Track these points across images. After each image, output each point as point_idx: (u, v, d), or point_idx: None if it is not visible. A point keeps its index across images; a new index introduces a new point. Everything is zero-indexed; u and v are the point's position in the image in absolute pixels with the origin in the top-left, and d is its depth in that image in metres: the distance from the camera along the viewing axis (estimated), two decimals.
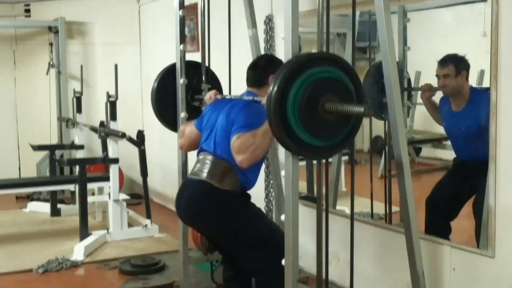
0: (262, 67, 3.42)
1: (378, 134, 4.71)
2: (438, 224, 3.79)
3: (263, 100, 3.06)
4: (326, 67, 2.49)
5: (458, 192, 3.76)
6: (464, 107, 3.69)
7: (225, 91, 4.10)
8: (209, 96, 3.62)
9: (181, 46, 3.90)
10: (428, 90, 3.94)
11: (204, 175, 3.26)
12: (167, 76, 4.03)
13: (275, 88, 2.41)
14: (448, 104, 3.80)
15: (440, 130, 4.14)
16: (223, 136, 3.25)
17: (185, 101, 3.92)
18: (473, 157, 3.32)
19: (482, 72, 3.68)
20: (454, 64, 3.65)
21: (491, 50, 3.04)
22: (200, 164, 3.35)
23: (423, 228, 3.69)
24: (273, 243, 3.13)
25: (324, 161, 2.99)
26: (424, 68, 4.34)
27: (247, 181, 3.31)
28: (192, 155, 3.59)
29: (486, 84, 3.55)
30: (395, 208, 4.12)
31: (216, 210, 3.25)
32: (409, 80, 4.28)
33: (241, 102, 3.32)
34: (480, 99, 3.46)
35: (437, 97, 3.99)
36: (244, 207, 3.29)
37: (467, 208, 3.72)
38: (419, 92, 4.47)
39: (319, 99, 2.44)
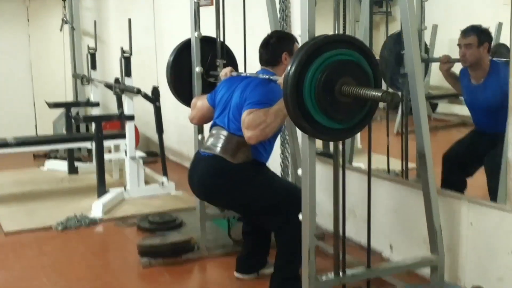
0: (274, 45, 3.39)
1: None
2: (454, 179, 3.78)
3: (279, 79, 3.06)
4: (343, 50, 2.47)
5: (476, 147, 3.73)
6: (483, 81, 3.66)
7: (240, 50, 4.06)
8: (224, 72, 3.62)
9: None
10: (447, 61, 3.89)
11: (218, 149, 3.29)
12: (182, 52, 4.02)
13: (292, 71, 2.41)
14: (468, 77, 3.76)
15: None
16: (237, 113, 3.26)
17: (200, 55, 3.91)
18: (493, 129, 3.29)
19: (500, 25, 3.62)
20: (477, 35, 3.60)
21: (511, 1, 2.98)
22: (213, 139, 3.36)
23: (439, 183, 3.67)
24: (289, 201, 3.15)
25: None
26: (441, 21, 4.27)
27: (260, 156, 3.33)
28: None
29: (503, 37, 3.50)
30: (411, 165, 4.11)
31: (229, 185, 3.29)
32: (425, 45, 4.22)
33: (257, 79, 3.31)
34: (500, 72, 3.42)
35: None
36: (255, 177, 3.30)
37: None
38: (436, 46, 4.41)
39: (336, 82, 2.43)
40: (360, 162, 4.34)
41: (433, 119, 4.63)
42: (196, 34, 3.89)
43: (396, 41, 4.05)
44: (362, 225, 3.90)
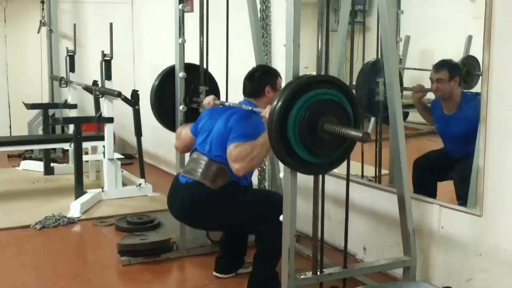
0: (258, 79, 3.54)
1: None
2: (425, 184, 3.91)
3: (262, 112, 3.21)
4: (326, 90, 2.62)
5: (448, 156, 3.89)
6: (455, 111, 3.80)
7: (223, 51, 4.16)
8: (207, 101, 3.77)
9: (180, 6, 3.97)
10: (420, 90, 4.05)
11: (198, 174, 3.40)
12: (166, 78, 4.13)
13: (277, 108, 2.54)
14: (440, 107, 3.91)
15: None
16: (220, 142, 3.38)
17: (183, 63, 4.00)
18: (465, 156, 3.44)
19: (469, 38, 3.78)
20: (448, 69, 3.75)
21: (485, 14, 3.08)
22: (193, 163, 3.48)
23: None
24: (269, 210, 3.25)
25: None
26: (413, 33, 4.42)
27: (239, 182, 3.44)
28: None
29: (473, 50, 3.66)
30: (383, 171, 4.24)
31: (209, 211, 3.40)
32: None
33: (240, 111, 3.45)
34: (471, 103, 3.58)
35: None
36: (234, 199, 3.41)
37: None
38: (408, 57, 4.56)
39: (318, 119, 2.58)
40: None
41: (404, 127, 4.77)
42: (180, 40, 4.00)
43: (371, 69, 4.21)
44: (336, 227, 4.04)
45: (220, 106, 3.71)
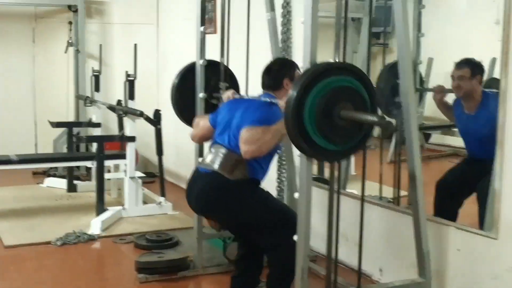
0: (276, 71, 3.54)
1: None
2: (446, 208, 3.89)
3: (281, 102, 3.21)
4: (343, 77, 2.64)
5: (469, 175, 3.86)
6: (476, 111, 3.79)
7: (242, 76, 4.21)
8: (227, 95, 3.78)
9: (202, 28, 4.02)
10: (440, 91, 4.03)
11: (216, 166, 3.38)
12: (186, 75, 4.17)
13: (294, 94, 2.56)
14: (461, 107, 3.89)
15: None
16: (237, 132, 3.36)
17: (204, 81, 4.05)
18: (486, 155, 3.42)
19: (493, 60, 3.76)
20: (470, 67, 3.74)
21: (502, 38, 3.11)
22: (212, 156, 3.46)
23: (431, 211, 3.80)
24: (284, 222, 3.27)
25: None
26: (436, 55, 4.43)
27: (256, 174, 3.43)
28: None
29: (497, 72, 3.65)
30: (403, 193, 4.23)
31: (225, 201, 3.38)
32: (421, 77, 4.37)
33: (259, 102, 3.46)
34: (492, 102, 3.53)
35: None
36: (251, 196, 3.40)
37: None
38: (431, 78, 4.57)
39: (335, 106, 2.59)
40: (353, 189, 4.47)
41: (426, 149, 4.76)
42: (201, 61, 4.04)
43: (391, 71, 4.20)
44: (353, 248, 4.01)
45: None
